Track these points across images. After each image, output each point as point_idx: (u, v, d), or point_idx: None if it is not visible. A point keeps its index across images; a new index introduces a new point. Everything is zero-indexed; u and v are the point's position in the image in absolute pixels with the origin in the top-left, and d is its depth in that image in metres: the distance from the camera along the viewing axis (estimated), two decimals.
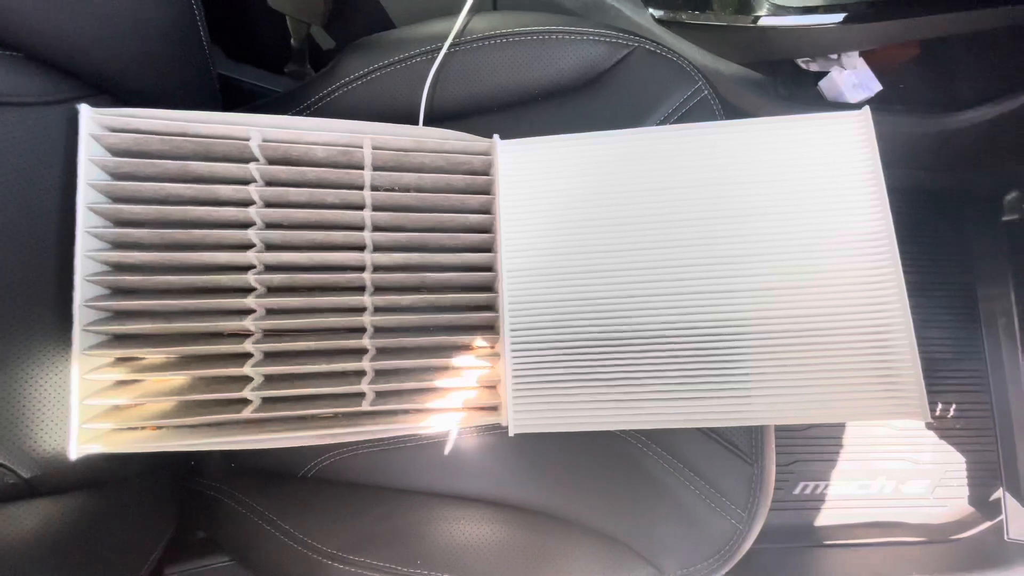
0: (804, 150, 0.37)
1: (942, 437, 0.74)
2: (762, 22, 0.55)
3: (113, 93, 0.37)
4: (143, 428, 0.35)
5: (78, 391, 0.33)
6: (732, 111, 0.45)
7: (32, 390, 0.31)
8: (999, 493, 0.72)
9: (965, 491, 0.73)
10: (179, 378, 0.36)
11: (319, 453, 0.43)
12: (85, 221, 0.33)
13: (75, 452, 0.32)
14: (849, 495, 0.72)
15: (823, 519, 0.72)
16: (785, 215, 0.36)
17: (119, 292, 0.36)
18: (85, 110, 0.33)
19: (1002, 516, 0.70)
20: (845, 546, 0.70)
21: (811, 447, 0.73)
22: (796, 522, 0.71)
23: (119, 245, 0.36)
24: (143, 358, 0.36)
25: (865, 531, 0.71)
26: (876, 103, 0.69)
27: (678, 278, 0.36)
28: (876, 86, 0.70)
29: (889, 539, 0.71)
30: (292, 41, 0.62)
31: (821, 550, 0.70)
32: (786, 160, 0.37)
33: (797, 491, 0.72)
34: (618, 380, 0.35)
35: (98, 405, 0.34)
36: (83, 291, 0.33)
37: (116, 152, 0.35)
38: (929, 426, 0.74)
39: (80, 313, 0.33)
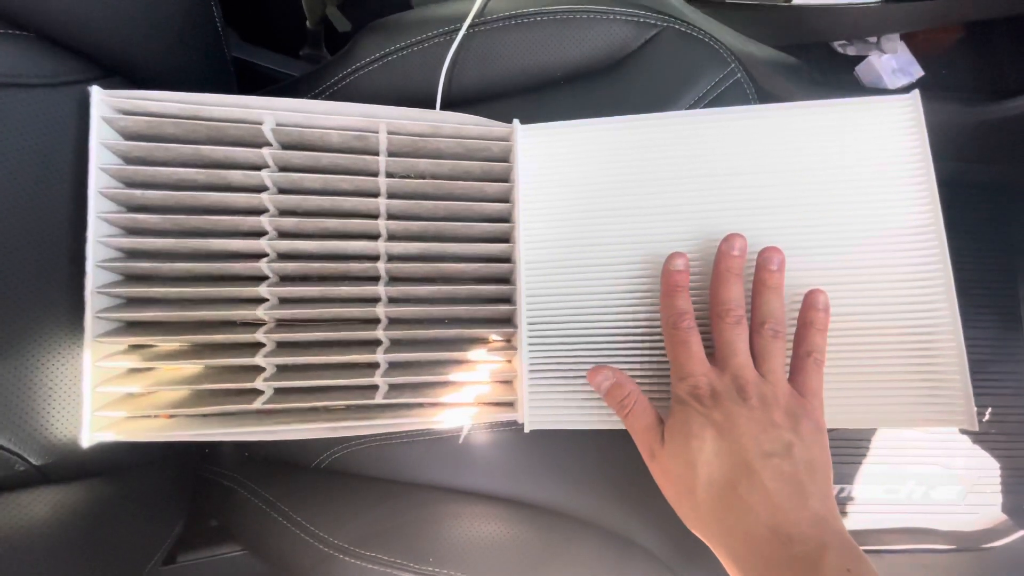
0: (846, 137, 0.34)
1: (976, 441, 0.71)
2: (798, 0, 0.52)
3: (125, 75, 0.36)
4: (156, 417, 0.35)
5: (90, 378, 0.32)
6: (764, 96, 0.43)
7: (43, 377, 0.31)
8: None
9: (999, 498, 0.70)
10: (192, 367, 0.36)
11: (331, 444, 0.42)
12: (97, 206, 0.33)
13: (87, 440, 0.32)
14: (875, 499, 0.70)
15: (847, 524, 0.69)
16: (824, 206, 0.34)
17: (131, 278, 0.35)
18: (96, 92, 0.32)
19: None
20: (870, 552, 0.68)
21: (836, 448, 0.70)
22: None
23: (131, 231, 0.35)
24: (155, 346, 0.35)
25: (892, 537, 0.69)
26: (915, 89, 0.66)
27: (707, 272, 0.34)
28: (917, 71, 0.66)
29: (917, 546, 0.68)
30: (307, 23, 0.61)
31: None
32: (826, 147, 0.35)
33: None
34: (641, 378, 0.34)
35: (111, 393, 0.33)
36: (95, 277, 0.32)
37: (128, 135, 0.34)
38: (963, 430, 0.71)
39: (92, 299, 0.32)
